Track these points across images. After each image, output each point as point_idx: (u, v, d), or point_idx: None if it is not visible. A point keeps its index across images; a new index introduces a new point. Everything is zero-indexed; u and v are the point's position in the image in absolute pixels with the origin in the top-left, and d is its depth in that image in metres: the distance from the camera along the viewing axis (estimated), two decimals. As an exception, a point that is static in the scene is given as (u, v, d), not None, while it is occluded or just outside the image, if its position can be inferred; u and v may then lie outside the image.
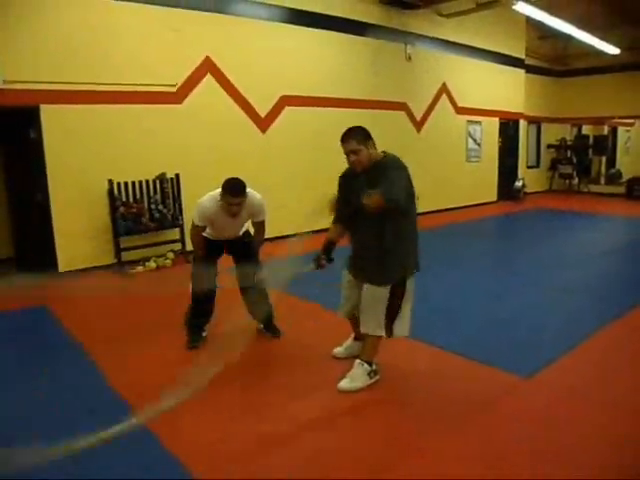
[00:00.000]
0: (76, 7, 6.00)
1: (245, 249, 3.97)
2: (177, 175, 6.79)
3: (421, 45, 10.23)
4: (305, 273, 3.24)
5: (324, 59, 8.64)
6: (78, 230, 6.22)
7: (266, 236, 4.07)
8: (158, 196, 6.69)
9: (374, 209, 2.84)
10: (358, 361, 3.26)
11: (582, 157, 14.88)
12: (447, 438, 2.71)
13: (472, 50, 11.40)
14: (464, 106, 11.57)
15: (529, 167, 14.59)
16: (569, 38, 11.73)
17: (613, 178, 15.20)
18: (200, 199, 3.73)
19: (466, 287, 5.50)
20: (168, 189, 6.76)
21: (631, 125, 15.76)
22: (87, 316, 4.86)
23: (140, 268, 6.32)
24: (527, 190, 13.50)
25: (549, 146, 15.20)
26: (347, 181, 3.24)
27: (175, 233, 6.82)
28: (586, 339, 3.97)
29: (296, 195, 7.99)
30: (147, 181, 6.62)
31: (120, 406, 3.05)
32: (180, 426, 2.84)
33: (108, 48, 6.24)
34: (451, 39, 10.84)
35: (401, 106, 10.08)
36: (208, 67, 7.17)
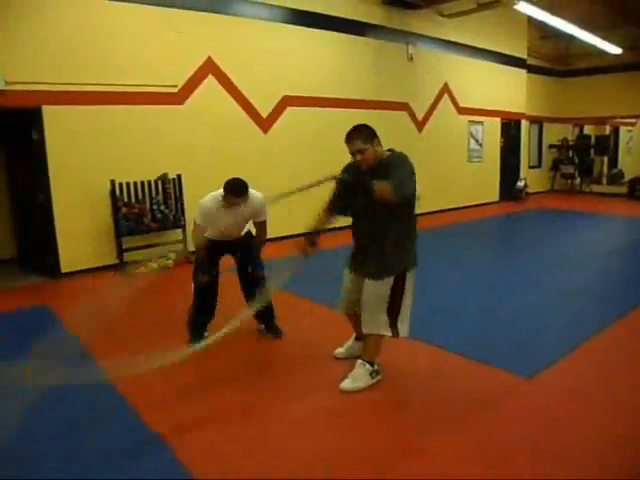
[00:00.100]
0: (76, 8, 6.01)
1: (247, 249, 3.98)
2: (179, 176, 6.81)
3: (423, 45, 10.23)
4: (296, 266, 3.24)
5: (326, 59, 8.65)
6: (80, 231, 6.24)
7: (267, 236, 4.08)
8: (160, 197, 6.70)
9: (383, 198, 2.82)
10: (360, 361, 3.26)
11: (584, 157, 14.87)
12: (448, 438, 2.71)
13: (474, 50, 11.40)
14: (466, 106, 11.57)
15: (531, 167, 14.58)
16: (571, 38, 11.73)
17: (615, 178, 15.18)
18: (202, 199, 3.74)
19: (467, 287, 5.50)
20: (170, 189, 6.78)
21: (633, 125, 15.75)
22: (87, 316, 4.86)
23: (142, 269, 6.33)
24: (529, 190, 13.49)
25: (551, 146, 15.20)
26: (351, 174, 3.16)
27: (177, 233, 6.83)
28: (587, 340, 3.97)
29: (298, 195, 7.98)
30: (149, 182, 6.64)
31: (121, 405, 3.06)
32: (181, 426, 2.85)
33: (110, 49, 6.25)
34: (453, 39, 10.84)
35: (403, 106, 10.08)
36: (210, 68, 7.18)
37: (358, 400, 3.11)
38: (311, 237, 3.31)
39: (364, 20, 9.05)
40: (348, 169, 3.24)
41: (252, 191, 3.66)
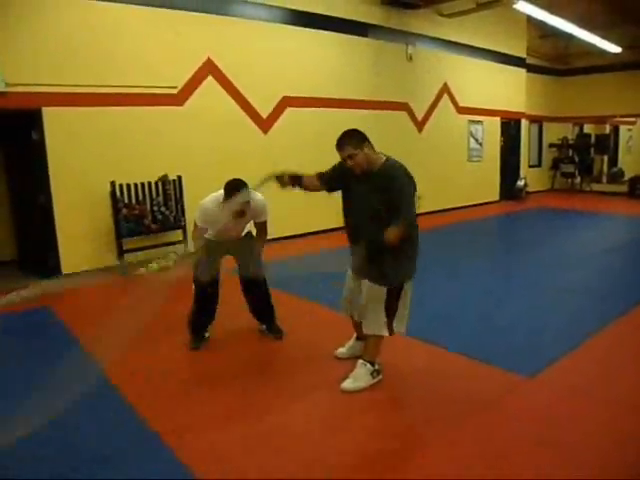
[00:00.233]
0: (76, 9, 6.01)
1: (247, 249, 3.98)
2: (179, 177, 6.81)
3: (422, 45, 10.24)
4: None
5: (325, 60, 8.66)
6: (81, 232, 6.24)
7: (268, 237, 4.08)
8: (160, 198, 6.70)
9: (398, 239, 2.93)
10: (361, 361, 3.27)
11: (584, 156, 14.87)
12: (449, 437, 2.71)
13: (473, 50, 11.41)
14: (465, 106, 11.58)
15: (531, 166, 14.58)
16: (570, 37, 11.74)
17: (615, 177, 15.19)
18: (202, 201, 3.74)
19: (467, 287, 5.49)
20: (170, 191, 6.78)
21: (633, 124, 15.76)
22: (90, 316, 4.87)
23: (142, 270, 6.34)
24: (529, 189, 13.49)
25: (551, 145, 15.20)
26: (348, 176, 3.16)
27: (178, 234, 6.84)
28: (588, 338, 3.97)
29: (298, 196, 7.97)
30: (149, 183, 6.64)
31: (120, 403, 3.07)
32: (182, 426, 2.86)
33: (109, 50, 6.25)
34: (452, 39, 10.85)
35: (402, 106, 10.08)
36: (209, 68, 7.19)
37: (359, 400, 3.11)
38: (295, 178, 3.37)
39: (363, 20, 9.05)
40: (341, 168, 3.22)
41: (253, 192, 3.66)
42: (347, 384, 3.21)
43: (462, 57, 11.22)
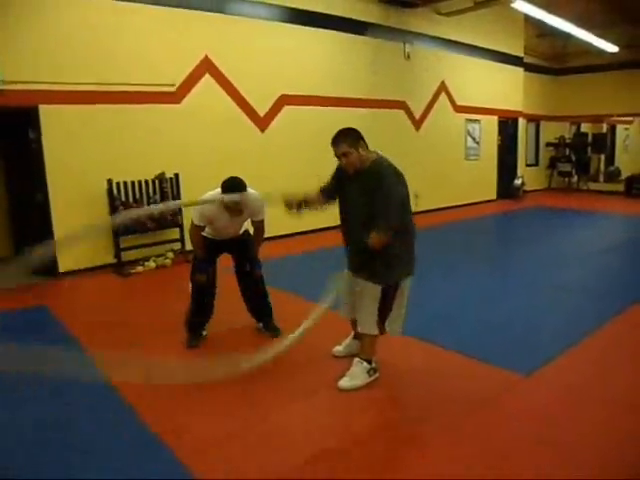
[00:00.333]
0: (75, 7, 6.00)
1: (245, 248, 3.98)
2: (176, 175, 6.80)
3: (420, 44, 10.24)
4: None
5: (323, 58, 8.65)
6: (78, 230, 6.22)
7: (265, 235, 4.08)
8: (157, 196, 6.68)
9: (378, 247, 2.92)
10: (357, 359, 3.28)
11: (581, 155, 14.89)
12: (447, 436, 2.72)
13: (471, 48, 11.41)
14: (463, 104, 11.58)
15: (528, 165, 14.60)
16: (568, 36, 11.75)
17: (612, 176, 15.22)
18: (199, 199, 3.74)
19: (464, 286, 5.50)
20: (167, 189, 6.76)
21: (630, 123, 15.78)
22: (87, 315, 4.87)
23: (140, 268, 6.33)
24: (526, 188, 13.50)
25: (548, 144, 15.22)
26: (342, 178, 3.20)
27: (175, 232, 6.83)
28: (585, 337, 3.98)
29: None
30: (146, 181, 6.62)
31: (120, 404, 3.06)
32: (182, 426, 2.86)
33: (105, 48, 6.23)
34: (450, 37, 10.84)
35: (400, 105, 10.08)
36: (207, 66, 7.17)
37: (357, 398, 3.12)
38: (301, 202, 3.35)
39: (361, 19, 9.04)
40: (337, 173, 3.28)
41: (250, 190, 3.66)
42: (344, 382, 3.21)
43: (460, 56, 11.22)
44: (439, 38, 10.64)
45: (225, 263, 4.09)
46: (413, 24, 10.00)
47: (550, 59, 14.75)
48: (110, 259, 6.41)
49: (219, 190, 3.60)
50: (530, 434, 2.73)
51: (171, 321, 4.23)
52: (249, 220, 3.93)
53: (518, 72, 13.00)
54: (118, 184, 6.35)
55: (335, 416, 2.98)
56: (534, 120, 14.70)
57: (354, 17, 8.91)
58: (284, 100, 8.12)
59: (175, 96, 6.91)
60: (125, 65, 6.41)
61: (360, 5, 8.99)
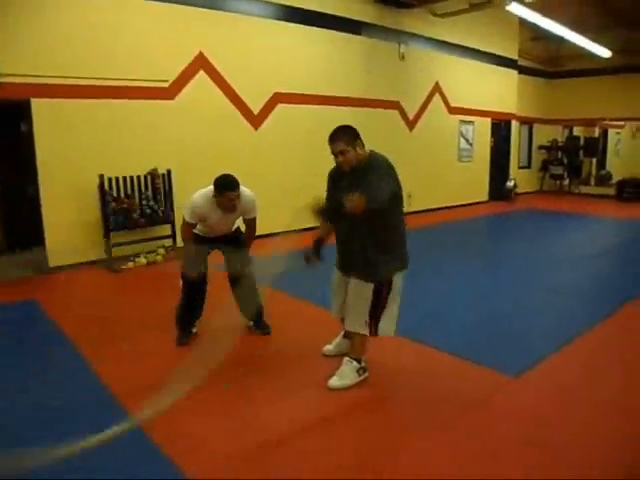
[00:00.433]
0: (72, 2, 5.96)
1: (236, 245, 3.97)
2: (169, 171, 6.77)
3: (415, 44, 10.25)
4: (296, 268, 3.24)
5: (317, 57, 8.64)
6: (69, 225, 6.18)
7: (257, 233, 4.07)
8: (149, 192, 6.66)
9: (356, 211, 2.75)
10: (347, 358, 3.28)
11: (573, 158, 14.97)
12: (436, 436, 2.72)
13: (465, 50, 11.44)
14: (457, 106, 11.61)
15: (520, 167, 14.66)
16: (561, 40, 11.79)
17: (603, 180, 15.32)
18: (192, 197, 3.72)
19: (455, 287, 5.51)
20: (160, 185, 6.73)
21: (621, 127, 15.90)
22: (77, 311, 4.84)
23: (130, 264, 6.31)
24: (518, 190, 13.57)
25: (540, 147, 15.30)
26: (335, 179, 3.23)
27: (166, 229, 6.80)
28: (575, 339, 4.00)
29: (288, 192, 7.98)
30: (138, 177, 6.59)
31: (110, 402, 3.04)
32: (170, 425, 2.84)
33: (99, 42, 6.19)
34: (445, 39, 10.87)
35: (394, 105, 10.09)
36: (201, 63, 7.15)
37: (346, 397, 3.12)
38: (317, 248, 3.28)
39: (356, 18, 9.05)
40: (332, 173, 3.27)
41: (243, 188, 3.65)
42: (333, 381, 3.21)
43: (454, 57, 11.25)
44: (434, 39, 10.66)
45: (216, 260, 4.08)
46: (408, 25, 10.01)
47: (544, 62, 14.81)
48: (101, 255, 6.37)
49: (211, 188, 3.59)
50: (520, 434, 2.74)
51: (162, 317, 4.21)
52: (241, 218, 3.92)
53: (512, 74, 13.05)
54: (110, 179, 6.32)
55: (324, 415, 2.97)
56: (527, 123, 14.76)
57: (349, 16, 8.91)
58: (278, 98, 8.11)
59: (169, 92, 6.88)
60: (118, 60, 6.37)
61: (355, 5, 8.99)
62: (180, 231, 3.95)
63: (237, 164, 6.42)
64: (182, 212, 3.81)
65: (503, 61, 12.55)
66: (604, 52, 12.44)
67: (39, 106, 5.86)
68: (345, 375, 3.23)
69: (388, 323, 3.20)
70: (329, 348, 3.67)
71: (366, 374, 3.29)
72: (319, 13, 8.40)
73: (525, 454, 2.57)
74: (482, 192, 12.96)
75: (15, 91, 5.65)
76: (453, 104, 11.51)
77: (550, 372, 3.48)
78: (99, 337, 4.09)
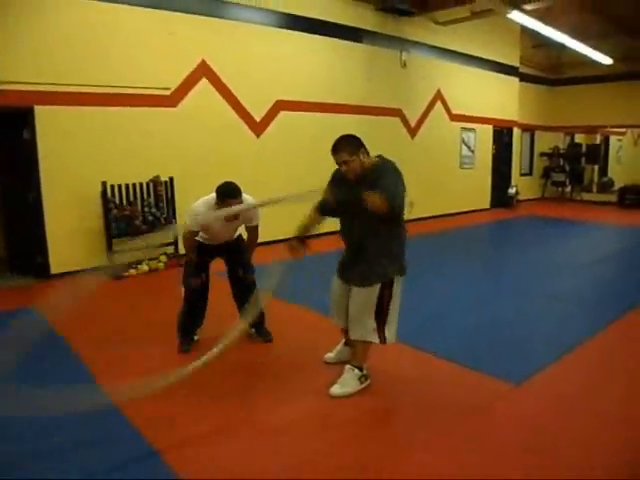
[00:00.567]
0: (73, 9, 6.00)
1: (238, 253, 3.98)
2: (171, 178, 6.79)
3: (416, 52, 10.29)
4: (290, 269, 3.25)
5: (320, 65, 8.68)
6: (70, 232, 6.20)
7: (259, 240, 4.08)
8: (152, 199, 6.68)
9: (375, 208, 2.79)
10: (348, 366, 3.28)
11: (575, 165, 14.99)
12: (437, 443, 2.71)
13: (467, 58, 11.48)
14: (458, 113, 11.64)
15: (522, 175, 14.67)
16: (563, 47, 11.82)
17: (605, 187, 15.33)
18: (194, 204, 3.73)
19: (457, 295, 5.51)
20: (162, 192, 6.75)
21: (623, 134, 15.93)
22: (77, 318, 4.83)
23: (132, 271, 6.31)
24: (520, 197, 13.57)
25: (542, 154, 15.31)
26: (340, 180, 3.19)
27: (168, 236, 6.81)
28: (576, 347, 3.99)
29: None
30: (141, 184, 6.61)
31: (110, 410, 3.04)
32: (167, 429, 2.84)
33: (103, 51, 6.23)
34: (446, 46, 10.91)
35: (396, 112, 10.12)
36: (204, 71, 7.18)
37: (347, 405, 3.11)
38: (302, 237, 3.31)
39: (358, 26, 9.09)
40: (335, 175, 3.27)
41: (245, 195, 3.66)
42: (335, 389, 3.21)
43: (456, 65, 11.29)
44: (435, 47, 10.70)
45: (218, 268, 4.08)
46: (409, 32, 10.05)
47: (545, 70, 14.85)
48: (103, 261, 6.37)
49: (213, 195, 3.60)
50: (518, 442, 2.73)
51: (163, 325, 4.21)
52: (243, 225, 3.93)
53: (514, 82, 13.08)
54: (112, 186, 6.34)
55: (325, 422, 2.97)
56: (529, 130, 14.78)
57: (351, 24, 8.95)
58: (280, 105, 8.14)
59: (171, 99, 6.91)
60: (122, 68, 6.41)
61: (357, 12, 9.04)
62: (182, 238, 3.96)
63: (239, 171, 6.44)
64: (184, 218, 3.82)
65: (504, 68, 12.59)
66: (605, 59, 12.47)
67: (42, 113, 5.89)
68: (347, 383, 3.23)
69: (391, 331, 3.21)
70: (330, 355, 3.67)
71: (368, 382, 3.29)
72: (321, 21, 8.45)
73: (524, 460, 2.57)
74: (484, 199, 12.96)
75: (18, 98, 5.68)
76: (455, 111, 11.54)
77: (550, 380, 3.47)
78: (100, 344, 4.10)
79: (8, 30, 5.60)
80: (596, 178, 15.79)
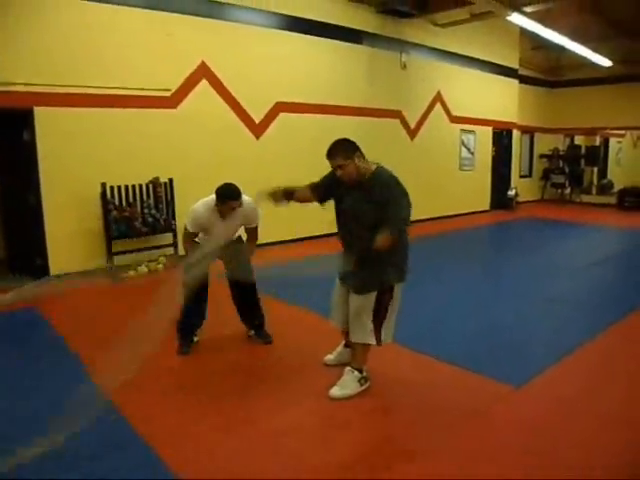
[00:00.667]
0: (72, 10, 6.00)
1: (237, 254, 3.97)
2: (170, 180, 6.79)
3: (416, 54, 10.30)
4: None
5: (320, 66, 8.68)
6: (70, 233, 6.20)
7: (258, 242, 4.08)
8: (151, 200, 6.68)
9: (386, 248, 2.90)
10: (348, 368, 3.27)
11: (574, 167, 15.01)
12: (437, 445, 2.71)
13: (466, 59, 11.49)
14: (458, 115, 11.65)
15: (522, 176, 14.68)
16: (562, 49, 11.84)
17: (604, 188, 15.35)
18: (193, 206, 3.73)
19: (456, 297, 5.51)
20: (161, 193, 6.75)
21: (622, 136, 15.94)
22: (77, 318, 4.84)
23: (132, 272, 6.31)
24: (519, 199, 13.58)
25: (542, 156, 15.33)
26: (337, 184, 3.17)
27: (168, 238, 6.81)
28: (576, 349, 3.99)
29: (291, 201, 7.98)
30: (140, 185, 6.61)
31: (108, 408, 3.04)
32: (170, 430, 2.84)
33: (103, 51, 6.24)
34: (446, 48, 10.92)
35: (396, 114, 10.13)
36: (204, 72, 7.19)
37: (347, 407, 3.11)
38: (288, 193, 3.31)
39: (358, 28, 9.10)
40: (333, 177, 3.21)
41: (244, 197, 3.66)
42: (335, 391, 3.20)
43: (455, 67, 11.30)
44: (435, 49, 10.71)
45: (217, 269, 4.08)
46: (409, 34, 10.06)
47: (545, 72, 14.87)
48: (102, 263, 6.38)
49: (213, 197, 3.60)
50: (518, 444, 2.72)
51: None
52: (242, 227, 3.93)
53: (513, 84, 13.10)
54: (112, 188, 6.34)
55: (325, 424, 2.97)
56: (528, 132, 14.80)
57: (351, 26, 8.96)
58: (280, 107, 8.14)
59: (171, 101, 6.92)
60: (120, 69, 6.41)
61: (357, 14, 9.05)
62: (182, 240, 3.95)
63: (239, 173, 6.43)
64: (184, 220, 3.82)
65: (504, 70, 12.60)
66: (605, 62, 12.49)
67: (42, 114, 5.89)
68: (347, 385, 3.23)
69: (388, 330, 3.22)
70: (330, 358, 3.67)
71: (368, 384, 3.28)
72: (321, 23, 8.45)
73: (525, 461, 2.57)
74: (483, 201, 12.97)
75: (18, 99, 5.68)
76: (454, 113, 11.55)
77: (550, 383, 3.46)
78: (99, 345, 4.08)
79: (8, 31, 5.61)
80: (595, 180, 15.81)
